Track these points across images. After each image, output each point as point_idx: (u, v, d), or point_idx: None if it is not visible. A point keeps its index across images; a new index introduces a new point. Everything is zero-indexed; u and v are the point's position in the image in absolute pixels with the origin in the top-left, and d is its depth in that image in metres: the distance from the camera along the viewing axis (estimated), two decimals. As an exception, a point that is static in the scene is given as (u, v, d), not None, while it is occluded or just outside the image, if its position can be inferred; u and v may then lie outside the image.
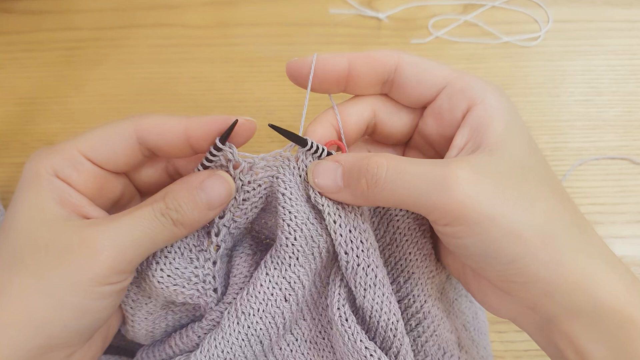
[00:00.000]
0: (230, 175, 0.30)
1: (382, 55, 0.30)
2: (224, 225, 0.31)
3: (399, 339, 0.29)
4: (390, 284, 0.32)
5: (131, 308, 0.32)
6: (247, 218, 0.32)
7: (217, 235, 0.31)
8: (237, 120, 0.28)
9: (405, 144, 0.35)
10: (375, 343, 0.29)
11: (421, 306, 0.32)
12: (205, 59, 0.58)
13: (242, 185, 0.30)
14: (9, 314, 0.25)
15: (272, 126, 0.29)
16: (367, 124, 0.32)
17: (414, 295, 0.32)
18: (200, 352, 0.31)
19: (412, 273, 0.32)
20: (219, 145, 0.28)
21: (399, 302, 0.32)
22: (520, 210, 0.25)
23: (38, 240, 0.26)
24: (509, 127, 0.27)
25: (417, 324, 0.32)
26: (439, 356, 0.32)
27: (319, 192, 0.29)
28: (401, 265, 0.32)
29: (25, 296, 0.26)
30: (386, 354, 0.29)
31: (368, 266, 0.29)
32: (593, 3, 0.61)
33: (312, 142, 0.29)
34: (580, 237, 0.26)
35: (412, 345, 0.32)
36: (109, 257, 0.26)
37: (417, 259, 0.32)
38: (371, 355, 0.28)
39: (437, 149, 0.32)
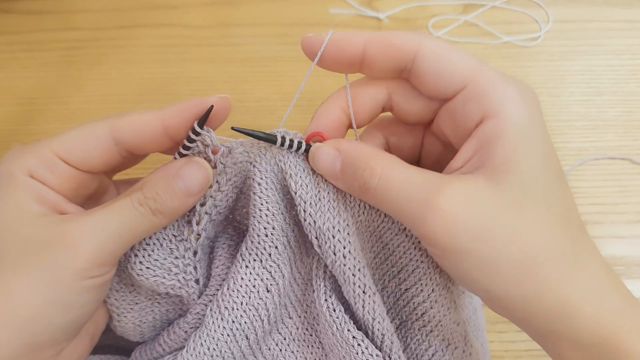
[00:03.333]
0: (210, 160, 0.30)
1: (401, 41, 0.27)
2: (206, 213, 0.31)
3: (380, 331, 0.29)
4: (398, 272, 0.32)
5: (115, 299, 0.32)
6: (228, 201, 0.32)
7: (198, 223, 0.31)
8: (212, 106, 0.28)
9: (426, 125, 0.33)
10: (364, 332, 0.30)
11: (428, 295, 0.31)
12: (205, 59, 0.58)
13: (225, 167, 0.30)
14: None
15: (236, 129, 0.28)
16: (381, 107, 0.30)
17: (421, 284, 0.32)
18: (187, 351, 0.31)
19: (421, 262, 0.32)
20: (197, 129, 0.28)
21: (406, 290, 0.32)
22: (500, 245, 0.24)
23: (16, 237, 0.26)
24: (520, 146, 0.25)
25: (424, 313, 0.32)
26: (442, 347, 0.32)
27: (296, 184, 0.29)
28: (410, 254, 0.32)
29: (6, 294, 0.25)
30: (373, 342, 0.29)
31: (344, 257, 0.29)
32: (593, 3, 0.61)
33: (283, 139, 0.29)
34: (570, 265, 0.25)
35: (416, 335, 0.32)
36: (89, 251, 0.26)
37: (425, 249, 0.32)
38: (359, 344, 0.29)
39: (453, 144, 0.31)
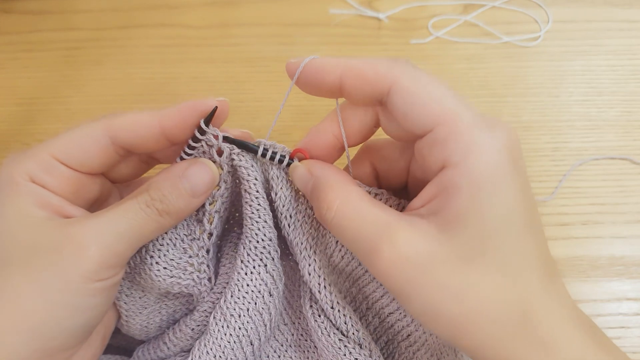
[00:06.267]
0: (215, 162, 0.30)
1: (375, 74, 0.26)
2: (216, 212, 0.31)
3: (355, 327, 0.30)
4: (380, 297, 0.32)
5: (125, 303, 0.32)
6: (235, 199, 0.33)
7: (210, 222, 0.31)
8: (217, 106, 0.28)
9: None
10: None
11: (412, 320, 0.32)
12: (205, 59, 0.58)
13: (229, 168, 0.30)
14: (2, 319, 0.25)
15: (225, 136, 0.29)
16: (371, 127, 0.30)
17: (403, 310, 0.32)
18: (192, 359, 0.31)
19: None
20: (204, 127, 0.28)
21: (389, 314, 0.32)
22: (437, 300, 0.24)
23: (23, 243, 0.26)
24: (476, 201, 0.24)
25: (409, 335, 0.32)
26: None
27: (275, 195, 0.31)
28: None
29: (17, 299, 0.25)
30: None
31: (309, 274, 0.30)
32: (593, 3, 0.61)
33: (265, 151, 0.30)
34: (517, 325, 0.24)
35: (404, 352, 0.33)
36: (97, 253, 0.26)
37: None
38: (345, 346, 0.29)
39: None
